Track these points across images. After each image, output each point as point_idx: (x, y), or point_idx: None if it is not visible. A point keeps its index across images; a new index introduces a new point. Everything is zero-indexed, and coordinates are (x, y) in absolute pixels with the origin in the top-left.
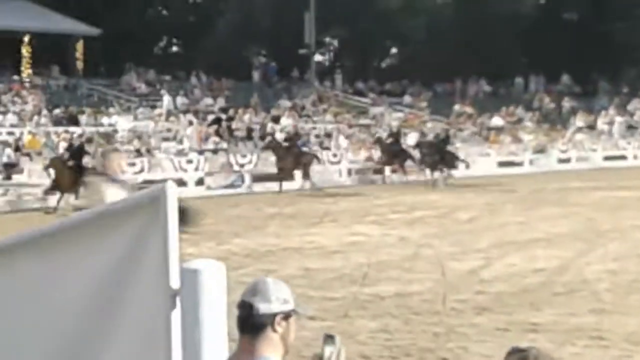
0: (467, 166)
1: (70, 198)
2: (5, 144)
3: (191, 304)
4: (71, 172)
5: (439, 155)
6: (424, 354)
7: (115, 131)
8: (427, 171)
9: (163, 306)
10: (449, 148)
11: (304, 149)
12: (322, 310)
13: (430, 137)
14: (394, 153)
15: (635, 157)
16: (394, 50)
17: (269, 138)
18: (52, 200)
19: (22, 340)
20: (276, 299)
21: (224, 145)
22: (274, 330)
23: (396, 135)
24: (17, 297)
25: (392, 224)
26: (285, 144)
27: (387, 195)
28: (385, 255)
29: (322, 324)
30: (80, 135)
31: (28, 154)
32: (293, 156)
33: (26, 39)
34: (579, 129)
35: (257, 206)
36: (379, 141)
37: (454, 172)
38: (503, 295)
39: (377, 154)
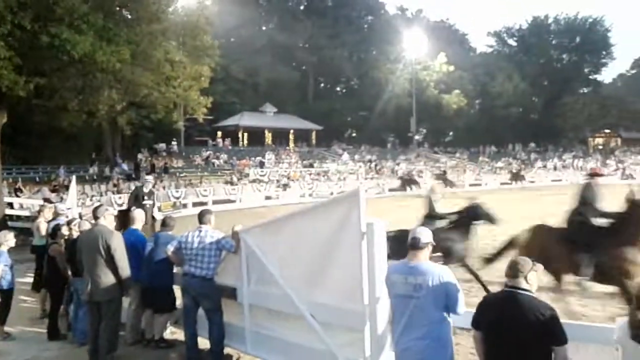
0: None
1: None
2: None
3: (376, 237)
4: None
5: None
6: None
7: None
8: None
9: (357, 241)
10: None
11: None
12: None
13: None
14: None
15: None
16: (451, 132)
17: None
18: None
19: (292, 260)
20: (428, 237)
21: None
22: (427, 249)
23: None
24: (291, 238)
25: None
26: None
27: None
28: None
29: None
30: None
31: None
32: None
33: None
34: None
35: None
36: None
37: None
38: None
39: None
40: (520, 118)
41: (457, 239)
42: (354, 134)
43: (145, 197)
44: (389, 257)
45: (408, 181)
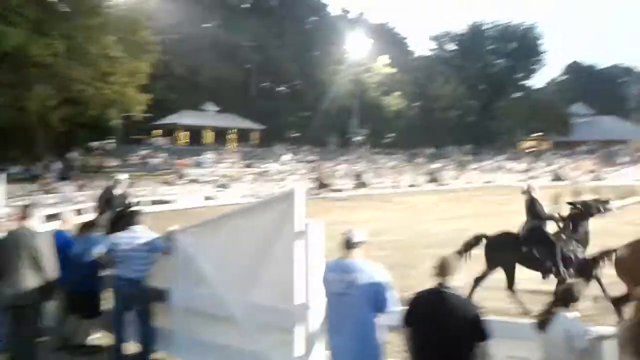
0: None
1: None
2: None
3: (312, 237)
4: None
5: None
6: None
7: None
8: None
9: (294, 240)
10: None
11: None
12: None
13: None
14: None
15: None
16: (392, 134)
17: None
18: None
19: (228, 260)
20: (362, 236)
21: None
22: (360, 248)
23: None
24: (227, 239)
25: None
26: None
27: None
28: None
29: None
30: None
31: None
32: None
33: None
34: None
35: None
36: None
37: None
38: None
39: None
40: (458, 120)
41: (579, 248)
42: (296, 135)
43: (125, 201)
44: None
45: (322, 184)
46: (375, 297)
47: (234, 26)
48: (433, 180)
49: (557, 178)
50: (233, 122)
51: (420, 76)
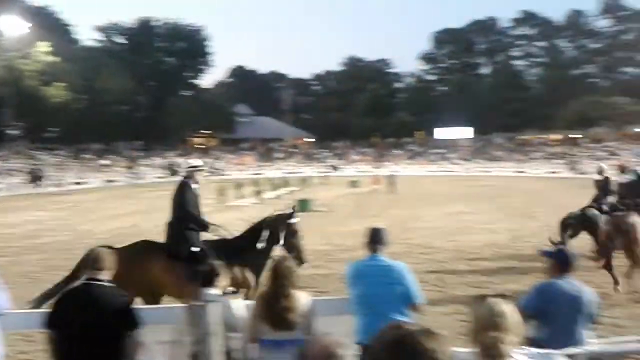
0: None
1: None
2: None
3: None
4: None
5: None
6: None
7: None
8: None
9: None
10: None
11: None
12: None
13: None
14: None
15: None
16: (56, 128)
17: None
18: None
19: None
20: None
21: None
22: None
23: None
24: None
25: None
26: None
27: None
28: None
29: None
30: None
31: None
32: None
33: None
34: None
35: None
36: None
37: None
38: None
39: None
40: (127, 116)
41: None
42: None
43: None
44: None
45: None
46: None
47: None
48: (35, 179)
49: (173, 173)
50: None
51: (86, 67)
